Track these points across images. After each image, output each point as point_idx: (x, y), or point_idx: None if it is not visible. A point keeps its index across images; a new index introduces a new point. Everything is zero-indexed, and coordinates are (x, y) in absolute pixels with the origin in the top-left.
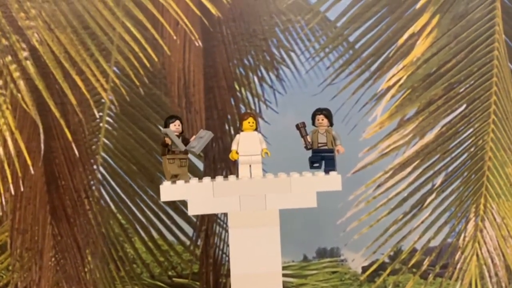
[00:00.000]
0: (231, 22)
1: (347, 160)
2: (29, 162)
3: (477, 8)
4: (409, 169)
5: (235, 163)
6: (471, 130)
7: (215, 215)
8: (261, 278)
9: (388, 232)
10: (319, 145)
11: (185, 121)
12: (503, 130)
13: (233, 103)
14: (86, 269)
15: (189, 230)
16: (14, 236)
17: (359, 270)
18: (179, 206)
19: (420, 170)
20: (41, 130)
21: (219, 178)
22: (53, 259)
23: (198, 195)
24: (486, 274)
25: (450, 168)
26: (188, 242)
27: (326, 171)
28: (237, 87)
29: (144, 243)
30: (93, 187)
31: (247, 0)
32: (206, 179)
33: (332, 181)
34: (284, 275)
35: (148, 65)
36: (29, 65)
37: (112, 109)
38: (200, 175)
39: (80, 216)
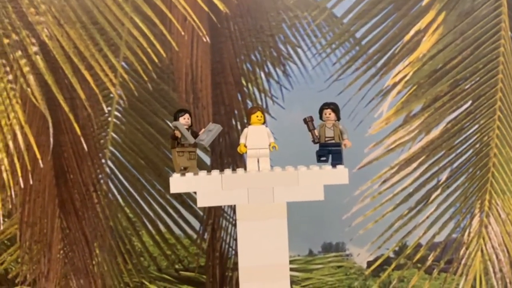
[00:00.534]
0: (238, 18)
1: (353, 155)
2: (38, 156)
3: (483, 5)
4: (414, 165)
5: (241, 158)
6: (476, 126)
7: (222, 209)
8: (268, 270)
9: (393, 228)
10: (326, 139)
11: (192, 116)
12: (508, 127)
13: (240, 98)
14: (94, 262)
15: (196, 224)
16: (23, 229)
17: (364, 265)
18: (186, 200)
19: (425, 166)
20: (50, 124)
21: (228, 171)
22: (61, 251)
23: (207, 187)
24: (491, 269)
25: (455, 164)
26: (195, 236)
27: (333, 165)
28: (244, 82)
29: (152, 236)
30: (101, 181)
31: None
32: (215, 172)
33: (339, 175)
34: (289, 269)
35: (156, 60)
36: (39, 60)
37: (120, 103)
38: (207, 170)
39: (89, 210)
